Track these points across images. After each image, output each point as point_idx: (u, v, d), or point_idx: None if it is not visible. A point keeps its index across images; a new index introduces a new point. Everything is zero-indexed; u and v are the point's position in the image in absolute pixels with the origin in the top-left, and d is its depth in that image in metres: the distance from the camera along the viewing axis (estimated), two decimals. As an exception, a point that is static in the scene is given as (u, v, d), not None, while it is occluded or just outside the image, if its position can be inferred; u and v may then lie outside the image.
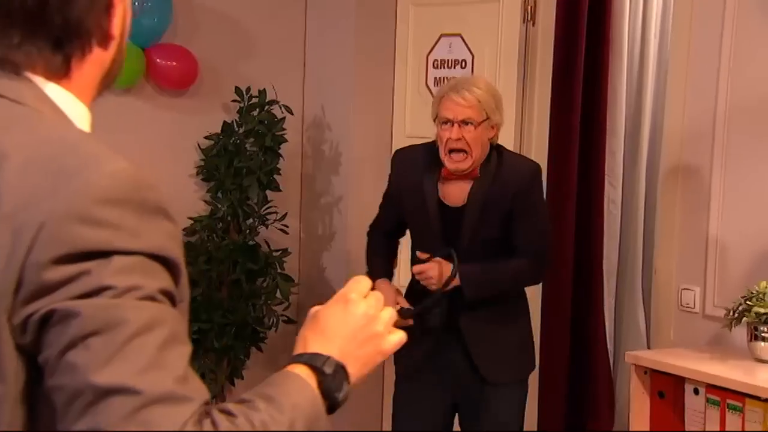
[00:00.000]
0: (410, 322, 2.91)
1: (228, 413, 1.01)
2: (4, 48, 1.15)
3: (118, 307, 0.99)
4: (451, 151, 3.10)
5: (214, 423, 0.99)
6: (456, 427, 3.40)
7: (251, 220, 4.32)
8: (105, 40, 1.20)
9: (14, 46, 1.14)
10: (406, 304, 3.13)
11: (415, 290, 3.29)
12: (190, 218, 4.31)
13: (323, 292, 4.58)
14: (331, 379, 1.12)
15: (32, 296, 0.99)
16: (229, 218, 4.29)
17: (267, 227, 4.37)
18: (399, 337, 1.21)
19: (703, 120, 3.48)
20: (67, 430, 0.97)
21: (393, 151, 4.41)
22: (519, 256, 3.18)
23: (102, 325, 0.98)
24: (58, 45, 1.15)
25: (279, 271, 4.36)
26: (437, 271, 3.09)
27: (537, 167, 3.26)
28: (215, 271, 4.23)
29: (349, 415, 4.50)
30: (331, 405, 1.12)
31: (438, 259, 3.10)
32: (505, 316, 3.27)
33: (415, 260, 3.32)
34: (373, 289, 1.25)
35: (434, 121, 3.19)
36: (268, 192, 4.34)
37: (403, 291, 3.32)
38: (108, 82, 1.24)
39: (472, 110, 3.07)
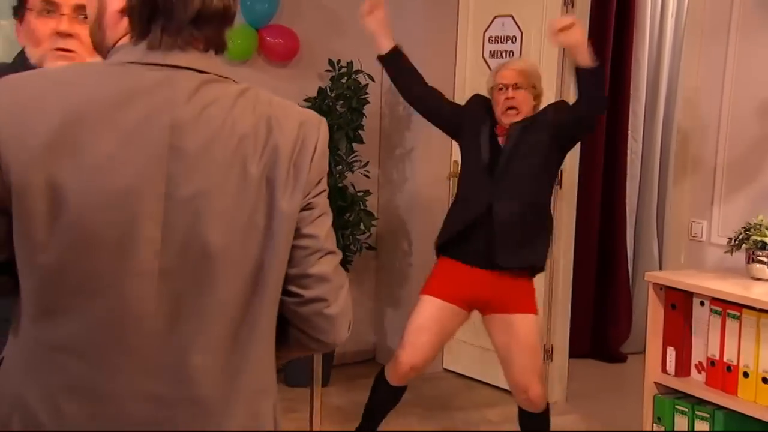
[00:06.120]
0: None
1: None
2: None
3: (327, 202, 1.31)
4: (507, 108, 3.17)
5: None
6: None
7: (341, 167, 4.35)
8: None
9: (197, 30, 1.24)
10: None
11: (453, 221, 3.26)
12: (292, 165, 4.38)
13: (397, 225, 4.68)
14: None
15: (305, 195, 1.27)
16: (323, 165, 4.35)
17: (353, 172, 4.41)
18: None
19: (713, 88, 3.43)
20: (304, 272, 1.28)
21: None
22: (578, 100, 3.09)
23: (325, 210, 1.31)
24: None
25: (362, 208, 4.40)
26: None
27: (561, 100, 3.32)
28: (312, 207, 4.28)
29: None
30: None
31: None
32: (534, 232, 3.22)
33: (455, 203, 3.28)
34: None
35: (490, 91, 3.25)
36: (354, 144, 4.37)
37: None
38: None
39: (520, 76, 3.17)
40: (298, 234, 1.26)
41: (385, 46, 3.28)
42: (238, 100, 1.23)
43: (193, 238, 1.19)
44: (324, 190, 1.30)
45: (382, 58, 3.30)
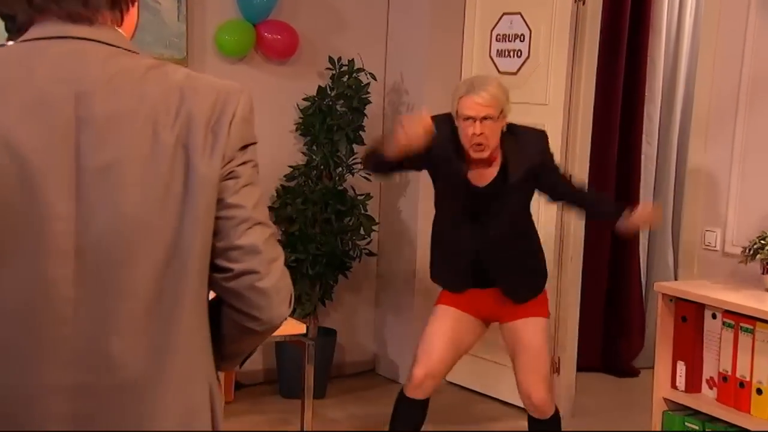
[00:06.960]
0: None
1: None
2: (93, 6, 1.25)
3: (255, 173, 1.28)
4: (476, 144, 3.02)
5: None
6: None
7: (340, 169, 4.35)
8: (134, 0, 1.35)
9: (93, 5, 1.25)
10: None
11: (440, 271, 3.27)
12: (290, 166, 4.35)
13: (399, 230, 4.69)
14: None
15: (227, 163, 1.25)
16: (322, 167, 4.32)
17: (353, 175, 4.39)
18: None
19: (729, 90, 3.42)
20: (232, 244, 1.25)
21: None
22: (579, 192, 3.27)
23: (251, 181, 1.27)
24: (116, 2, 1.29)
25: (362, 212, 4.39)
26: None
27: (544, 133, 3.22)
28: (310, 210, 4.27)
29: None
30: None
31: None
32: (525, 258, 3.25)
33: (435, 236, 3.24)
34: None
35: (454, 114, 3.06)
36: (354, 145, 4.34)
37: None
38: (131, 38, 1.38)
39: (489, 107, 2.99)
40: (222, 204, 1.24)
41: (396, 157, 3.00)
42: (149, 72, 1.24)
43: (108, 211, 1.18)
44: (250, 161, 1.27)
45: (383, 162, 3.06)
